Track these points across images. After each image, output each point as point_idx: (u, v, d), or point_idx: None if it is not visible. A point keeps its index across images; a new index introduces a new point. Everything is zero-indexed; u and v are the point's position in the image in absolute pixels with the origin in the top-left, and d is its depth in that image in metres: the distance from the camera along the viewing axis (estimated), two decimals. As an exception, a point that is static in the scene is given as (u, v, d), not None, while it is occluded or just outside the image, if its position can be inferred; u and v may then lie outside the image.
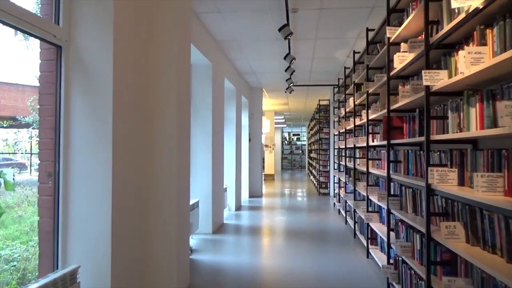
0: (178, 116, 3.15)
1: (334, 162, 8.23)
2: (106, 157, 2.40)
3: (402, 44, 3.12)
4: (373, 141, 4.40)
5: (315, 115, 12.53)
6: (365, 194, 4.51)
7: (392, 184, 3.45)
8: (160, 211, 3.08)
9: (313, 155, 14.28)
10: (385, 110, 3.46)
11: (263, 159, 15.92)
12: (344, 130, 6.35)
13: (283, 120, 19.15)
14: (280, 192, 11.23)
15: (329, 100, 10.22)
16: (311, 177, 14.95)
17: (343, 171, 6.97)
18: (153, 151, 3.09)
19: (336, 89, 8.48)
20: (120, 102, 2.53)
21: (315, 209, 7.83)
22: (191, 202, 4.74)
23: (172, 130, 3.11)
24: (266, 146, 15.73)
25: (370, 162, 4.39)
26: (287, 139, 25.43)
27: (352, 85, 5.41)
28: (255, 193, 9.94)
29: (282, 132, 24.80)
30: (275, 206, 8.26)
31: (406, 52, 2.94)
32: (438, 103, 2.62)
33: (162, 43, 3.10)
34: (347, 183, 6.11)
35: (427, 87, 2.41)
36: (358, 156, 5.33)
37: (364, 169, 4.58)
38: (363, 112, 4.67)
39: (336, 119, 7.95)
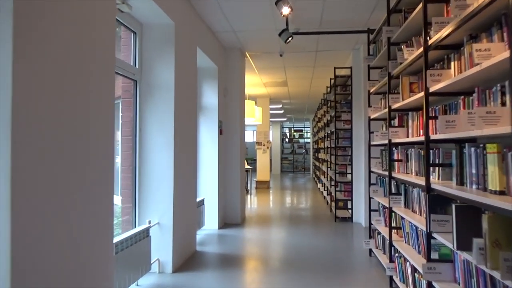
0: None
1: (370, 172, 4.39)
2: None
3: None
4: None
5: (326, 97, 8.67)
6: None
7: None
8: None
9: (321, 155, 10.43)
10: None
11: (255, 160, 12.10)
12: (408, 101, 2.53)
13: (282, 112, 15.26)
14: (274, 213, 7.37)
15: (351, 68, 6.37)
16: (319, 184, 11.11)
17: (400, 195, 3.16)
18: None
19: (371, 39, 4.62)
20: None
21: (337, 266, 3.99)
22: None
23: None
24: (258, 143, 11.84)
25: None
26: (288, 136, 21.55)
27: None
28: (231, 219, 6.11)
29: (282, 127, 20.92)
30: (261, 256, 4.43)
31: None
32: None
33: None
34: (434, 232, 2.31)
35: None
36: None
37: None
38: None
39: (372, 90, 4.13)
